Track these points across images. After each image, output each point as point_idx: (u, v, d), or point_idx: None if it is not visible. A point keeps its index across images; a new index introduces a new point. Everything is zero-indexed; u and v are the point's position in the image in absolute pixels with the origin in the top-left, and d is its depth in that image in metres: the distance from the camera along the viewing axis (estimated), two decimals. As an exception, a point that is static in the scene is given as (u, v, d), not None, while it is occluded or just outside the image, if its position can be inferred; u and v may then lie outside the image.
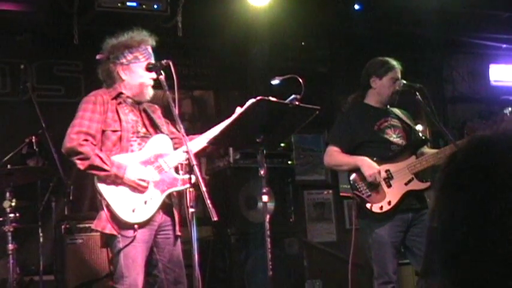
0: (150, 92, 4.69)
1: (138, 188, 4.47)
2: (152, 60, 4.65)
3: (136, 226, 4.40)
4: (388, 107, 5.43)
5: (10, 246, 5.72)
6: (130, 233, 4.39)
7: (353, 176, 5.22)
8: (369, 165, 5.13)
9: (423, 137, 5.35)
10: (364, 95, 5.46)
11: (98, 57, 4.73)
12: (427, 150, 5.34)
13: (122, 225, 4.41)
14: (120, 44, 4.64)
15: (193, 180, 4.32)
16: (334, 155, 5.32)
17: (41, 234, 6.24)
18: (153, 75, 4.61)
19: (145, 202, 4.48)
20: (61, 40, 7.44)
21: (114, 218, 4.41)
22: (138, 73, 4.63)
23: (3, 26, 7.20)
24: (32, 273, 6.39)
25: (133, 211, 4.42)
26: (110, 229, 4.41)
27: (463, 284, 1.14)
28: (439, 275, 1.19)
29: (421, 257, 5.13)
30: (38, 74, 7.67)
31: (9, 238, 5.73)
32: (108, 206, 4.41)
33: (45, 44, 7.63)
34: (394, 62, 5.40)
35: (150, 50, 4.68)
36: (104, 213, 4.43)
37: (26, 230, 6.25)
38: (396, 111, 5.46)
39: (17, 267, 5.85)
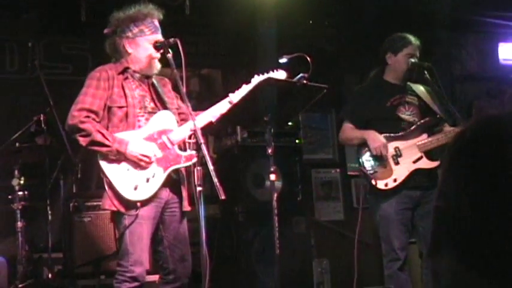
0: (157, 66, 4.66)
1: (140, 162, 4.45)
2: (159, 34, 4.63)
3: (139, 204, 4.40)
4: (408, 83, 5.39)
5: (19, 224, 5.76)
6: (133, 210, 4.40)
7: (361, 151, 5.22)
8: (374, 138, 5.13)
9: (437, 116, 5.29)
10: (383, 70, 5.44)
11: (105, 31, 4.71)
12: (447, 128, 5.28)
13: (125, 202, 4.42)
14: (126, 18, 4.62)
15: (195, 159, 4.39)
16: (346, 131, 5.37)
17: (49, 212, 6.27)
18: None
19: (148, 180, 4.46)
20: (68, 18, 7.42)
21: (117, 196, 4.42)
22: (143, 46, 4.60)
23: (11, 3, 7.19)
24: (41, 251, 6.43)
25: (135, 189, 4.41)
26: (116, 207, 4.43)
27: (471, 262, 1.14)
28: (446, 254, 1.19)
29: (426, 238, 5.14)
30: (45, 52, 7.67)
31: (18, 216, 5.77)
32: (110, 184, 4.42)
33: (52, 21, 7.61)
34: (411, 38, 5.35)
35: (156, 23, 4.65)
36: (107, 192, 4.45)
37: (34, 207, 6.28)
38: (418, 87, 5.38)
39: (26, 244, 5.89)
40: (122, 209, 4.41)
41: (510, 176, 1.12)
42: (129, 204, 4.41)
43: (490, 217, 1.13)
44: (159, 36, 4.63)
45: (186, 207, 4.64)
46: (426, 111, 5.32)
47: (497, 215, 1.12)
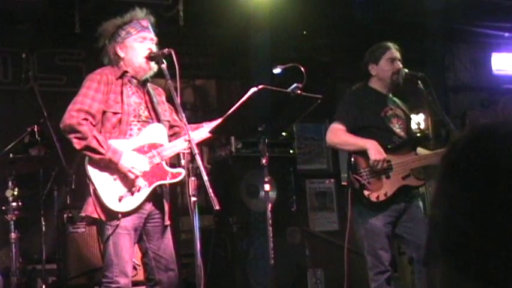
0: (152, 66, 4.61)
1: (128, 176, 4.44)
2: (145, 32, 4.63)
3: (120, 215, 4.38)
4: (391, 95, 5.39)
5: (13, 235, 5.74)
6: (115, 221, 4.38)
7: (357, 158, 5.16)
8: (377, 150, 5.05)
9: (424, 133, 5.30)
10: (366, 83, 5.42)
11: (99, 45, 4.72)
12: (420, 149, 5.29)
13: (107, 212, 4.40)
14: (113, 25, 4.65)
15: (183, 175, 4.44)
16: (339, 134, 5.22)
17: (43, 223, 6.26)
18: (149, 45, 4.60)
19: (133, 193, 4.45)
20: (62, 29, 7.43)
21: (101, 205, 4.39)
22: (133, 47, 4.60)
23: (4, 15, 7.19)
24: (35, 262, 6.41)
25: (119, 200, 4.39)
26: (98, 214, 4.40)
27: (468, 271, 1.15)
28: (441, 262, 1.20)
29: (413, 242, 5.13)
30: (39, 63, 7.67)
31: (12, 227, 5.75)
32: (95, 191, 4.40)
33: (46, 33, 7.62)
34: (388, 44, 5.35)
35: (144, 23, 4.65)
36: (91, 199, 4.43)
37: (28, 218, 6.26)
38: (397, 101, 5.43)
39: (20, 256, 5.87)
40: (103, 218, 4.39)
41: (503, 185, 1.13)
42: (111, 215, 4.39)
43: (484, 225, 1.14)
44: (145, 34, 4.63)
45: (167, 222, 4.64)
46: (410, 126, 5.37)
47: (491, 224, 1.13)
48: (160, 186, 4.60)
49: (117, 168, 4.42)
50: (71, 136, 4.40)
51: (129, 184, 4.46)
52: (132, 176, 4.44)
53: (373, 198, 5.09)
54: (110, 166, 4.41)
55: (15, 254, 5.72)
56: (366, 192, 5.10)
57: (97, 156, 4.38)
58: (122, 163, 4.40)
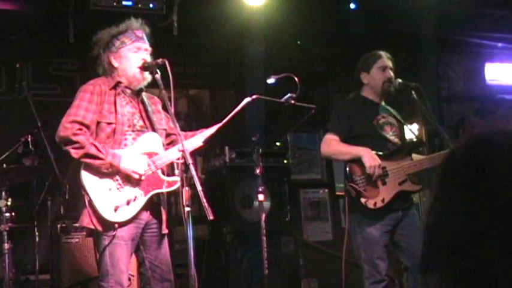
0: (146, 76, 4.61)
1: (132, 177, 4.44)
2: (140, 42, 4.62)
3: (116, 225, 4.37)
4: (383, 104, 5.40)
5: (6, 246, 5.72)
6: (111, 231, 4.37)
7: (352, 167, 5.16)
8: (371, 157, 5.07)
9: (419, 139, 5.32)
10: (359, 93, 5.44)
11: (93, 54, 4.72)
12: (415, 156, 5.31)
13: (104, 222, 4.38)
14: (109, 34, 4.64)
15: (178, 184, 4.41)
16: (333, 144, 5.23)
17: (36, 234, 6.23)
18: (144, 56, 4.60)
19: (128, 202, 4.43)
20: (56, 39, 7.44)
21: (97, 215, 4.38)
22: (127, 57, 4.59)
23: (-2, 25, 7.19)
24: (28, 273, 6.39)
25: (115, 210, 4.38)
26: (94, 225, 4.39)
27: (463, 278, 1.15)
28: (437, 269, 1.20)
29: (408, 250, 5.15)
30: (33, 73, 7.67)
31: (5, 237, 5.72)
32: (90, 202, 4.39)
33: (40, 42, 7.62)
34: (379, 52, 5.37)
35: (139, 33, 4.64)
36: (87, 210, 4.41)
37: (21, 229, 6.24)
38: (390, 109, 5.44)
39: (13, 266, 5.84)
40: (100, 228, 4.38)
41: (499, 193, 1.13)
42: (107, 225, 4.38)
43: (480, 233, 1.14)
44: (140, 44, 4.62)
45: (164, 230, 4.62)
46: (404, 133, 5.39)
47: (487, 232, 1.13)
48: (158, 195, 4.58)
49: (119, 172, 4.42)
50: (68, 147, 4.39)
51: (125, 193, 4.45)
52: (136, 176, 4.44)
53: (370, 205, 5.08)
54: (111, 172, 4.41)
55: (9, 264, 5.69)
56: (362, 200, 5.09)
57: (97, 162, 4.37)
58: (123, 165, 4.40)
